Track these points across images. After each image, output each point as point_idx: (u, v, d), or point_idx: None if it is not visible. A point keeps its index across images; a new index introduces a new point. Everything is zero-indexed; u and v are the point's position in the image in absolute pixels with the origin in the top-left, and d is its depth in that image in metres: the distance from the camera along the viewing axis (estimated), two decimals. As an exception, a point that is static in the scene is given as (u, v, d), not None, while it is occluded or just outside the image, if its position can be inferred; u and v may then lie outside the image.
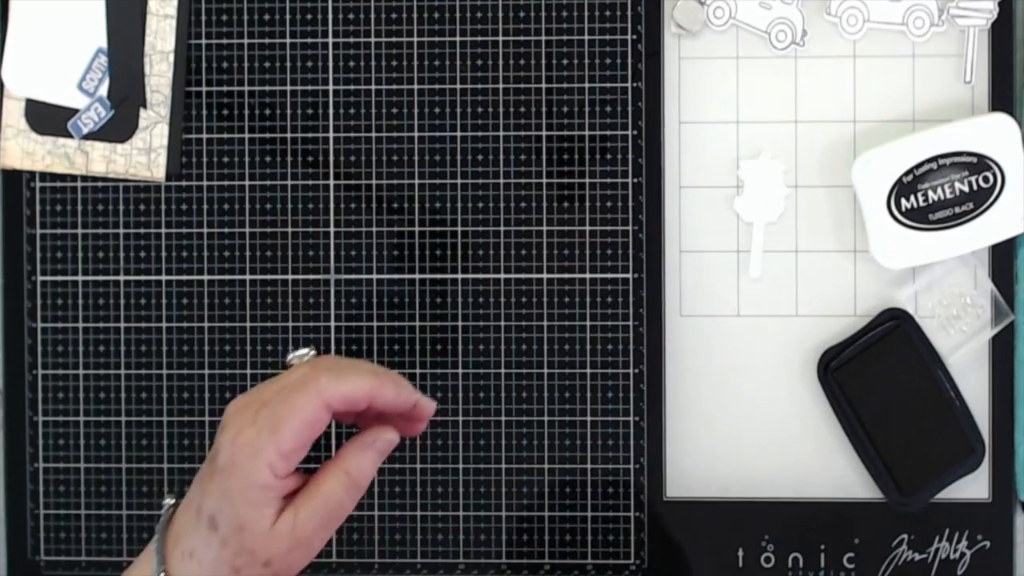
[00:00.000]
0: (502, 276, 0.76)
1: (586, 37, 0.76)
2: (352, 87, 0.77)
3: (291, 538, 0.60)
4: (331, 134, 0.77)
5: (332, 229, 0.77)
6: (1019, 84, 0.75)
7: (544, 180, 0.76)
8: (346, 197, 0.77)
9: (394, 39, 0.77)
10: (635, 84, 0.76)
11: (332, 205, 0.77)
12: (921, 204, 0.73)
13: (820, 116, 0.76)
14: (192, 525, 0.60)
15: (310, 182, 0.77)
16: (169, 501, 0.63)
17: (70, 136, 0.77)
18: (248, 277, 0.77)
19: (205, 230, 0.78)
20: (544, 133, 0.77)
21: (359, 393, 0.60)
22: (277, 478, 0.59)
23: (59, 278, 0.78)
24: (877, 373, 0.74)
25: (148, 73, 0.77)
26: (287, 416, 0.59)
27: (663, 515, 0.76)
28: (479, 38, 0.77)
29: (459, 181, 0.77)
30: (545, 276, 0.76)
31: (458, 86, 0.77)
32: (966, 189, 0.73)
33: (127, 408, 0.78)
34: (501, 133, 0.77)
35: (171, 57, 0.77)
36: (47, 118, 0.77)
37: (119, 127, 0.77)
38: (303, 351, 0.63)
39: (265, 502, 0.59)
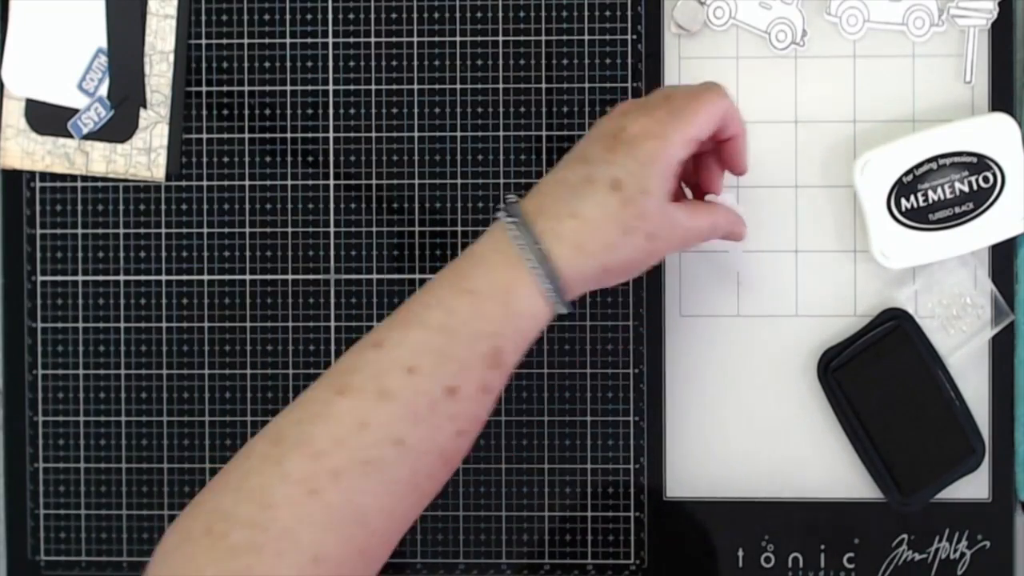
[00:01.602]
0: (502, 276, 0.76)
1: (586, 37, 0.76)
2: (352, 87, 0.77)
3: (681, 227, 0.65)
4: (331, 134, 0.77)
5: (332, 229, 0.77)
6: (1019, 84, 0.75)
7: (544, 180, 0.76)
8: (346, 197, 0.77)
9: (394, 39, 0.77)
10: (635, 84, 0.76)
11: (332, 205, 0.77)
12: (921, 204, 0.73)
13: (820, 116, 0.76)
14: (576, 191, 0.63)
15: (310, 182, 0.77)
16: (513, 197, 0.66)
17: (70, 136, 0.77)
18: (248, 277, 0.77)
19: (205, 230, 0.78)
20: (544, 133, 0.76)
21: (737, 117, 0.67)
22: (677, 161, 0.64)
23: (59, 278, 0.78)
24: (877, 373, 0.74)
25: (148, 73, 0.77)
26: (696, 108, 0.64)
27: (663, 515, 0.76)
28: (479, 38, 0.77)
29: (459, 181, 0.77)
30: (545, 276, 0.76)
31: (458, 86, 0.77)
32: (966, 189, 0.73)
33: (127, 408, 0.78)
34: (501, 133, 0.76)
35: (171, 57, 0.77)
36: (47, 118, 0.77)
37: (119, 127, 0.77)
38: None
39: (668, 177, 0.64)
